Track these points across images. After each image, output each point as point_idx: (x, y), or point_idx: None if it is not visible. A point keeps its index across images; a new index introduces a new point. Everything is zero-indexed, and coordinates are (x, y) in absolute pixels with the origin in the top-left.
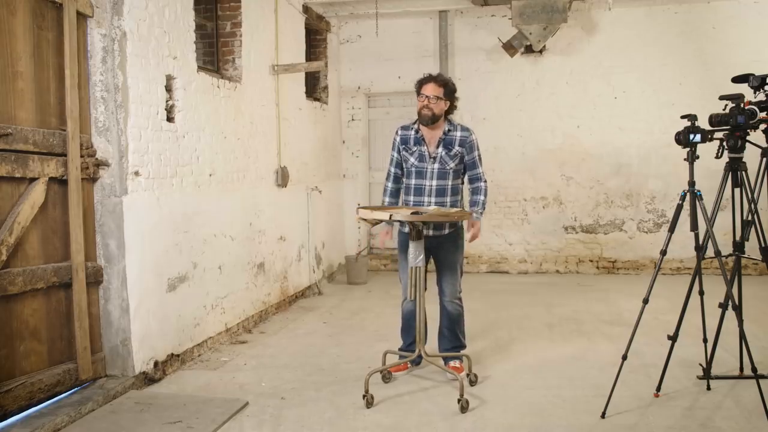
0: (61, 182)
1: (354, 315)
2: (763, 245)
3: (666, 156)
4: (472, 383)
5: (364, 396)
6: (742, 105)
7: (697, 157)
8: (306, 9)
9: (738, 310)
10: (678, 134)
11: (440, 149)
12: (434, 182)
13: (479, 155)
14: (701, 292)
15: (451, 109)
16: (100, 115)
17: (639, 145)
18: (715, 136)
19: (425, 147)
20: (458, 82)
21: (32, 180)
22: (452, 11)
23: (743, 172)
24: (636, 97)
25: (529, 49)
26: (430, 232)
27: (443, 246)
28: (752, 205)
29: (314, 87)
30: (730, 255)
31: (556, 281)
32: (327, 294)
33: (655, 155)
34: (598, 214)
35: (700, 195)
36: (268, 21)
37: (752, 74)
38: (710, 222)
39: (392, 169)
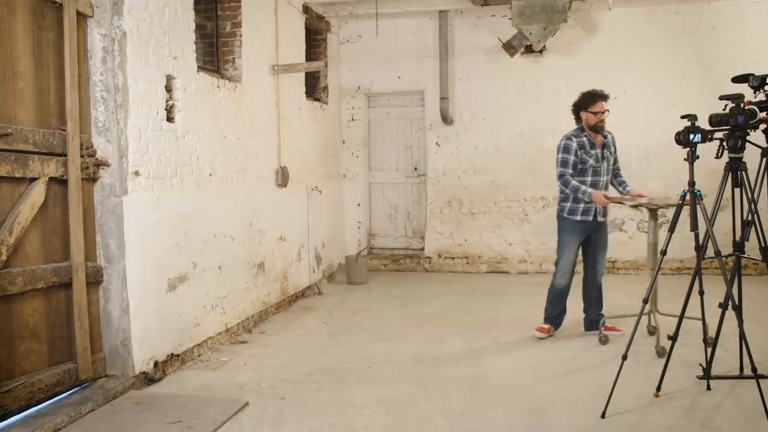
0: (61, 182)
1: (354, 315)
2: (763, 245)
3: (666, 156)
4: (651, 333)
5: (654, 347)
6: (742, 105)
7: (697, 157)
8: (306, 9)
9: (738, 310)
10: (678, 134)
11: (605, 150)
12: (606, 177)
13: None
14: (701, 292)
15: None
16: (100, 115)
17: (639, 145)
18: (715, 136)
19: (598, 150)
20: (458, 82)
21: (32, 180)
22: (452, 11)
23: (743, 172)
24: (636, 97)
25: (529, 49)
26: (602, 219)
27: (601, 231)
28: (752, 205)
29: (314, 87)
30: (730, 255)
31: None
32: (327, 294)
33: (655, 155)
34: None
35: (700, 195)
36: (268, 21)
37: (752, 74)
38: (710, 222)
39: (569, 170)
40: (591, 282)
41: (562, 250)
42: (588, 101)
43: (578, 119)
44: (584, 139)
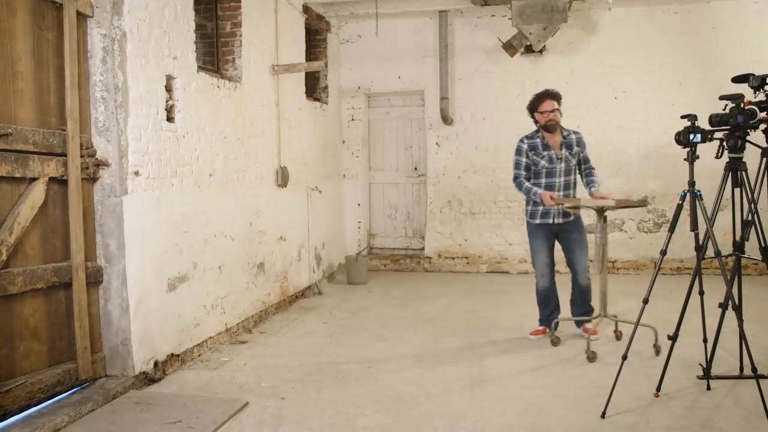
0: (61, 182)
1: (354, 315)
2: (763, 245)
3: (666, 156)
4: (618, 338)
5: (586, 352)
6: (742, 105)
7: (697, 157)
8: (306, 9)
9: (738, 310)
10: (678, 134)
11: (564, 150)
12: (562, 179)
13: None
14: (701, 292)
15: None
16: (100, 115)
17: (639, 145)
18: (715, 136)
19: (552, 151)
20: (458, 82)
21: (32, 180)
22: (452, 11)
23: (743, 172)
24: (636, 97)
25: (529, 49)
26: (560, 220)
27: (569, 230)
28: (752, 205)
29: (314, 87)
30: (730, 255)
31: (556, 281)
32: (327, 294)
33: (655, 155)
34: None
35: (700, 195)
36: (268, 21)
37: (752, 74)
38: (710, 222)
39: (522, 172)
40: (575, 282)
41: (532, 253)
42: (536, 102)
43: (535, 121)
44: (537, 140)
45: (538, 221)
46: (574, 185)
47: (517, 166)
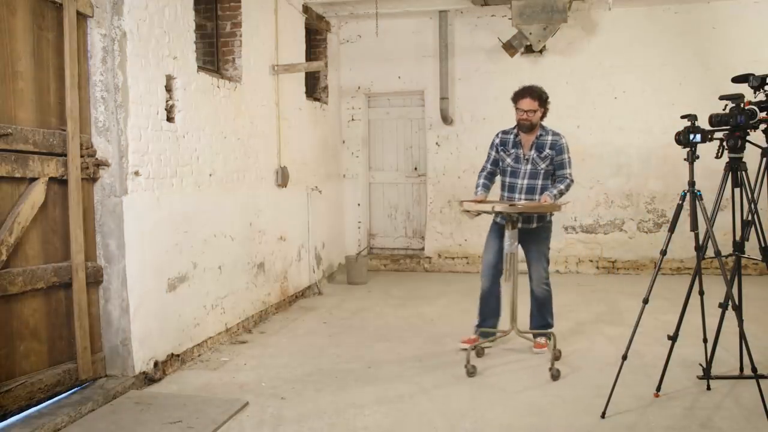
0: (61, 182)
1: (354, 315)
2: (763, 245)
3: (666, 156)
4: (557, 358)
5: (465, 366)
6: (742, 105)
7: (697, 157)
8: (306, 9)
9: (738, 310)
10: (678, 134)
11: (532, 152)
12: (526, 181)
13: (569, 158)
14: (701, 292)
15: (545, 115)
16: (100, 115)
17: (639, 145)
18: (715, 136)
19: (521, 150)
20: (458, 82)
21: (32, 180)
22: (452, 11)
23: (743, 172)
24: (636, 97)
25: (529, 49)
26: (520, 225)
27: (530, 238)
28: (752, 205)
29: (314, 87)
30: (730, 255)
31: (555, 281)
32: (327, 294)
33: (655, 155)
34: (598, 214)
35: (700, 195)
36: (268, 21)
37: (752, 74)
38: (710, 222)
39: (487, 166)
40: (531, 292)
41: (484, 251)
42: (516, 96)
43: None
44: (510, 136)
45: (498, 219)
46: (542, 191)
47: (487, 159)
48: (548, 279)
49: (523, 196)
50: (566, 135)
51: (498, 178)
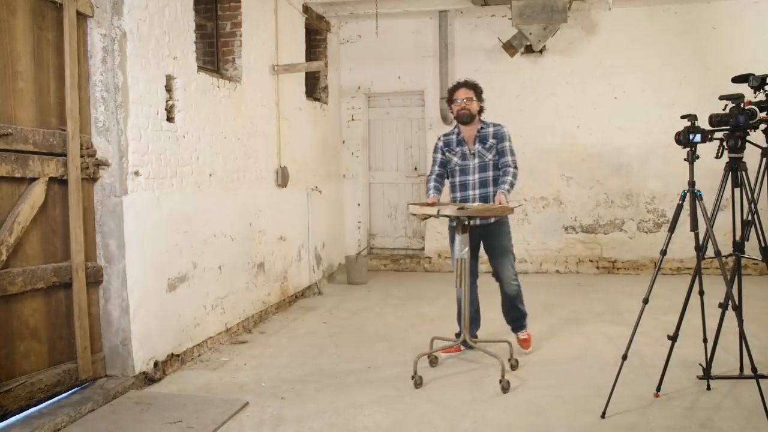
0: (61, 182)
1: (354, 315)
2: (763, 245)
3: (666, 156)
4: (513, 368)
5: (412, 377)
6: (742, 105)
7: (697, 157)
8: (306, 9)
9: (738, 310)
10: (678, 134)
11: (477, 145)
12: (477, 176)
13: (510, 146)
14: (701, 292)
15: (482, 109)
16: (100, 115)
17: (639, 145)
18: (715, 136)
19: (466, 146)
20: None
21: (32, 180)
22: (452, 11)
23: (743, 172)
24: (636, 97)
25: (529, 49)
26: (477, 221)
27: (491, 234)
28: (752, 205)
29: (314, 87)
30: (730, 255)
31: (556, 281)
32: (327, 294)
33: (655, 155)
34: (598, 214)
35: (700, 195)
36: (268, 21)
37: (752, 74)
38: (710, 222)
39: (436, 168)
40: (502, 292)
41: (451, 258)
42: (451, 92)
43: (455, 116)
44: (452, 136)
45: (454, 223)
46: (495, 183)
47: (433, 162)
48: (517, 276)
49: (477, 192)
50: (566, 135)
51: (448, 182)
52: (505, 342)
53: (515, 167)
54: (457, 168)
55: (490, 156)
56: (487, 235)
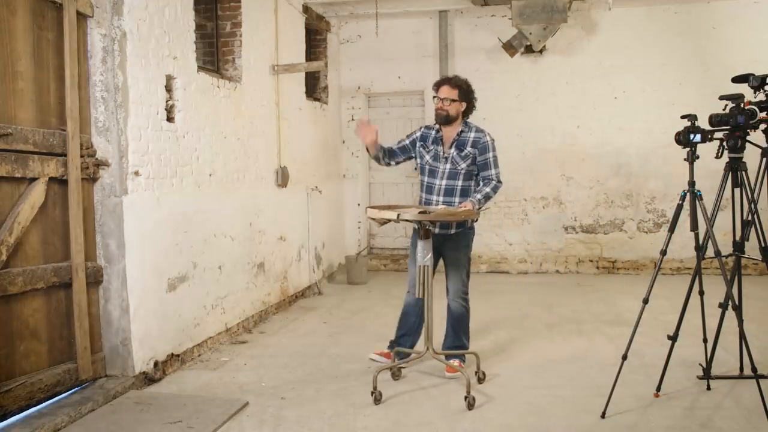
0: (61, 182)
1: (354, 315)
2: (763, 245)
3: (666, 156)
4: (480, 381)
5: (372, 392)
6: (742, 105)
7: (697, 157)
8: (306, 9)
9: (738, 310)
10: (678, 134)
11: (452, 150)
12: (444, 182)
13: (494, 157)
14: (701, 292)
15: (469, 109)
16: (100, 115)
17: (639, 145)
18: (715, 136)
19: (441, 147)
20: None
21: (32, 180)
22: (452, 11)
23: (743, 172)
24: (636, 97)
25: (529, 49)
26: (436, 230)
27: (449, 245)
28: (752, 205)
29: (314, 87)
30: (730, 255)
31: (556, 281)
32: (327, 294)
33: (655, 155)
34: (598, 214)
35: (700, 195)
36: (268, 21)
37: (752, 74)
38: (710, 222)
39: (394, 145)
40: (448, 305)
41: (409, 263)
42: (435, 87)
43: None
44: (432, 131)
45: (416, 225)
46: (462, 193)
47: (399, 141)
48: (467, 293)
49: (441, 198)
50: (566, 135)
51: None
52: (473, 353)
53: (498, 181)
54: (427, 167)
55: (463, 165)
56: (446, 246)
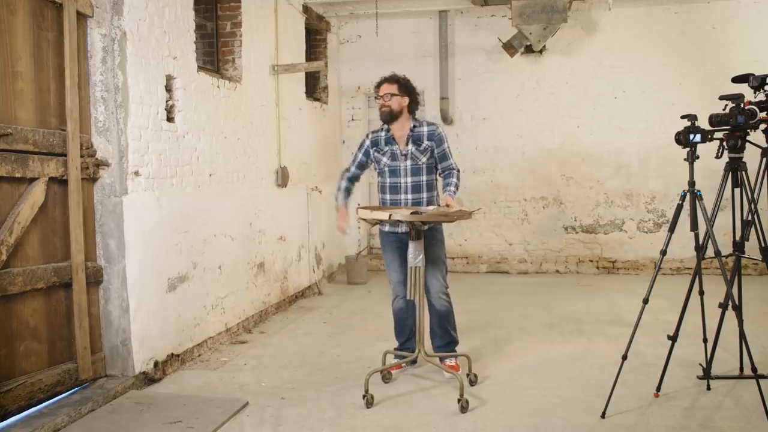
0: (61, 182)
1: (354, 315)
2: (763, 245)
3: (666, 156)
4: (472, 383)
5: (364, 396)
6: (742, 105)
7: (697, 157)
8: (306, 9)
9: (738, 310)
10: (678, 134)
11: (410, 146)
12: (409, 179)
13: (448, 147)
14: (701, 292)
15: (413, 105)
16: (100, 115)
17: (639, 145)
18: (715, 136)
19: (396, 146)
20: (458, 82)
21: (32, 180)
22: (452, 11)
23: (743, 172)
24: (636, 97)
25: (529, 49)
26: (403, 228)
27: (427, 241)
28: (752, 205)
29: (314, 87)
30: (730, 255)
31: (556, 281)
32: (327, 294)
33: (655, 155)
34: (598, 214)
35: (700, 195)
36: (268, 21)
37: (752, 74)
38: (710, 222)
39: (351, 167)
40: (429, 307)
41: (386, 269)
42: (376, 87)
43: None
44: (381, 134)
45: (386, 228)
46: (428, 188)
47: (352, 160)
48: (447, 289)
49: (409, 197)
50: (566, 135)
51: (377, 183)
52: (464, 356)
53: (458, 169)
54: (387, 169)
55: (423, 159)
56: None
